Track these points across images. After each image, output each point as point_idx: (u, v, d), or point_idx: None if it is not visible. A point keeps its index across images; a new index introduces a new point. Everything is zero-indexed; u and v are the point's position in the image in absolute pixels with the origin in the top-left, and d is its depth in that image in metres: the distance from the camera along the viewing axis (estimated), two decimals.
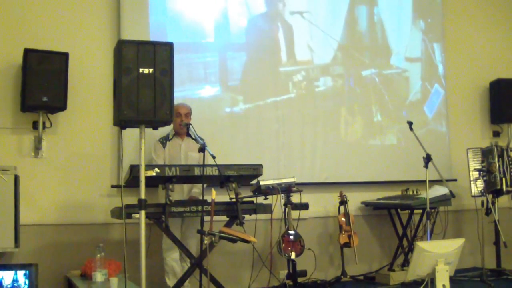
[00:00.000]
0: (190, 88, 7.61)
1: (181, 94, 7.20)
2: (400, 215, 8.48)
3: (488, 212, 8.15)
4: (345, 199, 8.08)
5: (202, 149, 6.16)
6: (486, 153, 8.37)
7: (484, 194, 8.16)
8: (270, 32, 8.48)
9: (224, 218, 6.66)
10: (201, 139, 6.41)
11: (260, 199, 6.94)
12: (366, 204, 8.62)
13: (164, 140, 7.13)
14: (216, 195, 5.81)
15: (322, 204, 8.43)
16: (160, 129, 5.60)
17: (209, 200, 6.09)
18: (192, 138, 7.12)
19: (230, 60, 8.25)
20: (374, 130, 8.93)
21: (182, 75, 7.39)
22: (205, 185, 6.69)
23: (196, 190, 6.92)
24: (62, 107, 7.03)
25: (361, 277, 8.35)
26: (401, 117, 8.72)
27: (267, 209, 6.80)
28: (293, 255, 7.53)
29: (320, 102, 8.62)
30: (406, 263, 8.07)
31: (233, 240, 5.87)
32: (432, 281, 5.95)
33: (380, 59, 9.09)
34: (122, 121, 5.19)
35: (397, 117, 8.96)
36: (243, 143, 8.09)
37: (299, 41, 8.58)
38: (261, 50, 8.39)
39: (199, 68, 8.03)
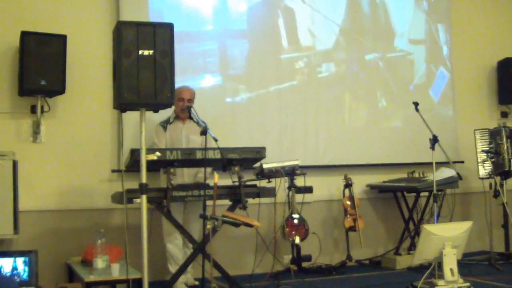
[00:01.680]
0: (190, 78, 7.60)
1: (180, 85, 7.10)
2: (406, 198, 8.50)
3: (496, 194, 8.16)
4: (350, 182, 8.11)
5: (204, 132, 6.17)
6: (494, 134, 8.37)
7: (492, 176, 8.18)
8: (271, 18, 8.44)
9: (227, 202, 6.67)
10: (203, 122, 6.42)
11: (263, 183, 6.94)
12: (372, 187, 8.64)
13: (165, 124, 7.13)
14: (218, 179, 5.82)
15: (326, 187, 8.45)
16: (161, 111, 5.61)
17: (211, 184, 6.10)
18: (194, 121, 7.12)
19: (230, 48, 8.22)
20: (379, 115, 8.93)
21: (181, 65, 7.30)
22: (210, 170, 6.72)
23: (201, 175, 6.92)
24: (61, 90, 7.03)
25: (367, 262, 8.39)
26: (406, 101, 8.69)
27: (271, 192, 6.80)
28: (297, 240, 7.56)
29: (323, 88, 8.61)
30: (412, 247, 8.10)
31: (236, 224, 5.90)
32: (439, 265, 5.98)
33: (383, 42, 9.06)
34: (122, 104, 5.20)
35: (402, 101, 8.94)
36: (245, 131, 8.09)
37: (300, 27, 8.55)
38: (262, 37, 8.37)
39: (199, 57, 8.00)
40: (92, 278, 5.91)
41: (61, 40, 6.98)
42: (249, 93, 8.20)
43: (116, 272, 5.92)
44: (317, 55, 8.62)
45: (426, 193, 8.08)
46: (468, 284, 6.07)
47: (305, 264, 7.85)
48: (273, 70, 8.37)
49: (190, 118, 7.17)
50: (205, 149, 6.24)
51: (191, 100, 7.11)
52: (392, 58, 9.07)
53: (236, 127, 8.05)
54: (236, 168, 6.47)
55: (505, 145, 8.22)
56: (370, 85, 8.91)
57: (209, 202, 6.11)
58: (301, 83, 8.49)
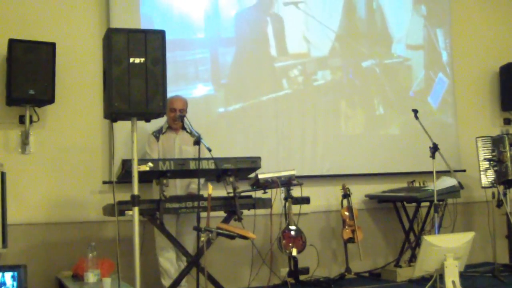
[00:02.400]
0: (181, 88, 7.58)
1: (172, 95, 7.04)
2: (406, 208, 8.51)
3: (499, 204, 8.16)
4: (348, 192, 8.10)
5: (197, 142, 6.17)
6: (496, 142, 8.38)
7: (495, 185, 8.17)
8: (264, 25, 8.43)
9: (222, 213, 6.68)
10: (197, 132, 6.42)
11: (259, 193, 6.93)
12: (370, 197, 8.65)
13: (157, 134, 7.13)
14: (212, 190, 5.82)
15: (324, 198, 8.45)
16: (153, 121, 5.61)
17: (205, 195, 6.10)
18: (187, 132, 7.13)
19: (222, 56, 8.20)
20: (377, 123, 8.94)
21: (172, 74, 7.22)
22: (203, 180, 6.72)
23: (195, 186, 6.94)
24: (50, 100, 7.02)
25: (366, 274, 8.39)
26: (404, 108, 8.73)
27: (267, 203, 6.81)
28: (294, 252, 7.56)
29: (319, 96, 8.61)
30: (413, 258, 8.10)
31: (231, 236, 5.90)
32: (441, 277, 5.99)
33: (380, 48, 9.08)
34: (113, 114, 5.19)
35: (400, 109, 8.97)
36: (240, 141, 8.08)
37: (294, 34, 8.56)
38: (255, 45, 8.36)
39: (190, 66, 7.98)
40: None
41: (50, 47, 6.98)
42: (243, 103, 8.18)
43: (107, 286, 5.91)
44: (312, 62, 8.62)
45: (427, 203, 8.09)
46: None
47: (302, 277, 7.84)
48: (267, 79, 8.37)
49: (184, 128, 7.17)
50: (199, 159, 6.24)
51: (183, 110, 7.10)
52: (389, 64, 9.09)
53: (231, 138, 8.03)
54: (231, 179, 6.48)
55: (508, 153, 8.21)
56: (367, 93, 8.93)
57: (203, 214, 6.11)
58: (296, 92, 8.49)
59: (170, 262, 7.04)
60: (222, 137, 7.90)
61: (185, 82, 7.84)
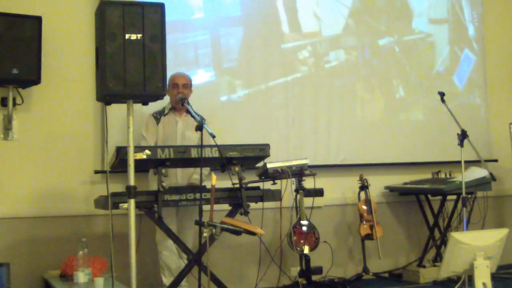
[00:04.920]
0: None
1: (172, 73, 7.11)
2: (431, 202, 8.53)
3: None
4: (366, 184, 8.12)
5: (199, 127, 6.16)
6: None
7: None
8: (269, 1, 8.41)
9: (226, 207, 6.68)
10: (200, 116, 6.42)
11: (267, 185, 6.94)
12: (391, 189, 8.66)
13: (158, 115, 7.13)
14: (216, 180, 5.83)
15: (339, 190, 8.47)
16: (151, 104, 5.61)
17: (208, 186, 6.11)
18: (192, 116, 7.12)
19: (224, 38, 8.20)
20: (397, 107, 8.94)
21: (168, 59, 7.32)
22: (207, 170, 6.73)
23: (197, 176, 6.92)
24: (36, 80, 7.02)
25: (386, 274, 8.42)
26: (428, 90, 8.74)
27: (276, 196, 6.79)
28: (306, 249, 7.58)
29: (332, 79, 8.62)
30: (438, 257, 8.12)
31: (237, 232, 5.89)
32: (470, 278, 5.98)
33: (399, 23, 9.06)
34: (106, 96, 5.19)
35: (423, 91, 8.98)
36: (246, 129, 8.10)
37: (303, 10, 8.54)
38: (260, 24, 8.35)
39: (189, 50, 7.99)
40: None
41: (36, 22, 6.97)
42: (249, 89, 8.21)
43: (100, 287, 5.93)
44: (323, 42, 8.62)
45: (454, 196, 8.09)
46: None
47: (315, 278, 7.86)
48: (274, 61, 8.37)
49: (188, 111, 7.16)
50: (201, 146, 6.24)
51: (186, 86, 7.11)
52: (410, 41, 9.09)
53: (236, 125, 8.08)
54: (237, 168, 6.47)
55: None
56: (385, 74, 8.93)
57: (205, 207, 6.13)
58: (307, 75, 8.50)
59: (173, 254, 7.04)
60: (227, 125, 7.93)
61: (184, 68, 7.74)
